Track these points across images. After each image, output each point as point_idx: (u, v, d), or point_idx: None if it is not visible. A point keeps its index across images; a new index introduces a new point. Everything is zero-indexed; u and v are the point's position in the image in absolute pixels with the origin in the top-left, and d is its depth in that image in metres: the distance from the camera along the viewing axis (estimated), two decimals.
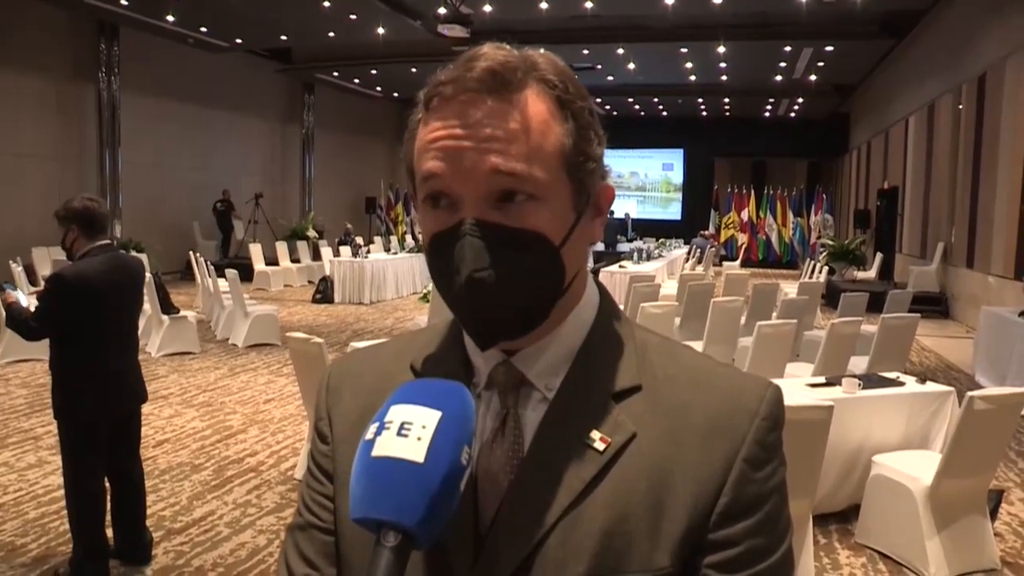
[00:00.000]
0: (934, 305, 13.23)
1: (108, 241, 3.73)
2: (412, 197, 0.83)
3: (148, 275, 7.45)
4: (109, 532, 3.84)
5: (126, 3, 14.25)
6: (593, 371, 0.82)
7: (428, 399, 0.70)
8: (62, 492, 3.86)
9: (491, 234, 0.75)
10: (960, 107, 13.42)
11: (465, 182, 0.75)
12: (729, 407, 0.80)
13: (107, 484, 3.82)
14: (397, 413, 0.69)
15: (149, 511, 4.17)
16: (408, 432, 0.68)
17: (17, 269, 10.05)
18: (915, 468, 4.10)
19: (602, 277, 12.95)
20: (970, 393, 3.80)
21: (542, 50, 0.82)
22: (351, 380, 0.92)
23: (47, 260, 12.41)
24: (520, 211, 0.76)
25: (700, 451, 0.78)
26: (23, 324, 3.59)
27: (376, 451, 0.68)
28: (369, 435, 0.69)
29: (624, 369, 0.82)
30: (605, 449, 0.78)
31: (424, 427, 0.68)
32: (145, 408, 3.94)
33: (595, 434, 0.79)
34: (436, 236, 0.78)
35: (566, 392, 0.82)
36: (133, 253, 10.99)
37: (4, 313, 3.76)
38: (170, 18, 15.17)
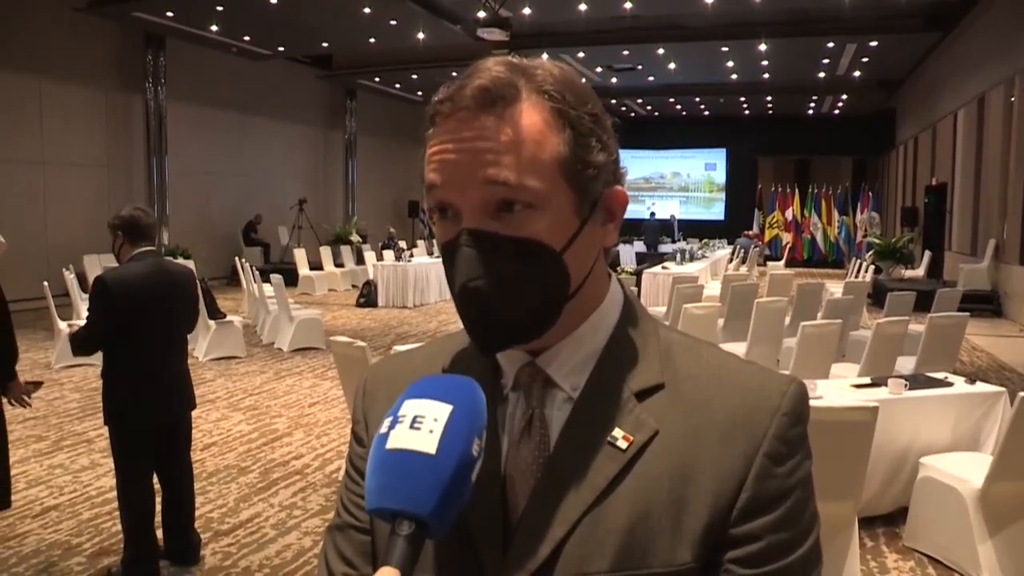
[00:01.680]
0: (986, 303, 12.94)
1: (152, 247, 3.82)
2: (425, 209, 0.86)
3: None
4: (159, 533, 3.93)
5: (172, 15, 14.55)
6: (616, 371, 0.84)
7: (439, 393, 0.73)
8: (114, 494, 3.95)
9: (486, 244, 0.78)
10: (1012, 99, 13.11)
11: (461, 193, 0.78)
12: (751, 403, 0.81)
13: (157, 487, 3.91)
14: (410, 408, 0.72)
15: (197, 513, 4.26)
16: (420, 425, 0.70)
17: (70, 276, 10.24)
18: (964, 470, 4.01)
19: (644, 278, 12.87)
20: (1022, 393, 3.71)
21: (580, 59, 0.83)
22: (386, 384, 0.94)
23: (98, 268, 12.61)
24: (519, 220, 0.78)
25: (721, 447, 0.79)
26: (77, 339, 3.68)
27: (390, 444, 0.70)
28: (383, 429, 0.72)
29: (647, 368, 0.84)
30: (628, 447, 0.79)
31: (436, 420, 0.70)
32: (193, 411, 4.02)
33: (618, 432, 0.80)
34: (443, 247, 0.82)
35: (590, 392, 0.83)
36: (181, 260, 11.18)
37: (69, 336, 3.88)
38: (214, 28, 15.45)
